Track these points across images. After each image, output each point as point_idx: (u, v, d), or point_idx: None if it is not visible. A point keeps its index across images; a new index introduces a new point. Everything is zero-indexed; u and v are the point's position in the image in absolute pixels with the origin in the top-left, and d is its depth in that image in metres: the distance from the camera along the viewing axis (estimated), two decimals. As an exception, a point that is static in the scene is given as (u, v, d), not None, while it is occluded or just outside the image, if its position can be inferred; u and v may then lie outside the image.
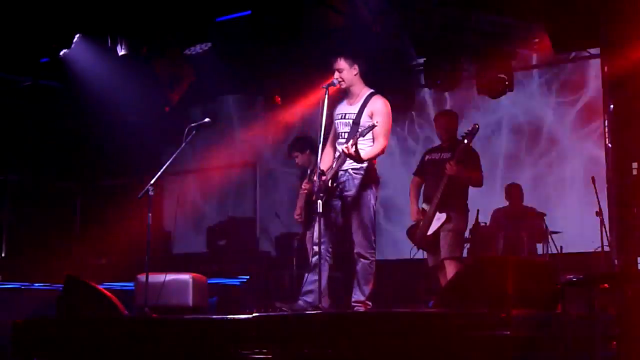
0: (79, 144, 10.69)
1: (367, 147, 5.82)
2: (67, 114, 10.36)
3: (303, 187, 6.57)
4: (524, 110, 9.55)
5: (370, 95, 5.99)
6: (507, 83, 8.77)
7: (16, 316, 6.46)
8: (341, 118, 6.02)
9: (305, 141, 7.43)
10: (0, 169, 9.95)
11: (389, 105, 5.99)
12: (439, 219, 6.77)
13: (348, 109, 6.03)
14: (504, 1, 7.70)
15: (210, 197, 11.17)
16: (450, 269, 6.67)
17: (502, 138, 9.62)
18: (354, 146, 5.63)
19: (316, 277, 5.70)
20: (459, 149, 6.73)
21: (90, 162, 10.86)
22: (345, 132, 5.96)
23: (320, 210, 5.63)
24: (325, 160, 5.99)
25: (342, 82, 5.97)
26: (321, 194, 5.68)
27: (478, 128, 6.77)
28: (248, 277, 9.53)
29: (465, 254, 8.00)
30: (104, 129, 10.38)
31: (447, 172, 6.68)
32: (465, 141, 6.74)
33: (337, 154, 5.98)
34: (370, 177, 5.94)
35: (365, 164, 5.89)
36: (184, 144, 6.38)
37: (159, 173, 6.29)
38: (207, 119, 6.53)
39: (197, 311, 6.77)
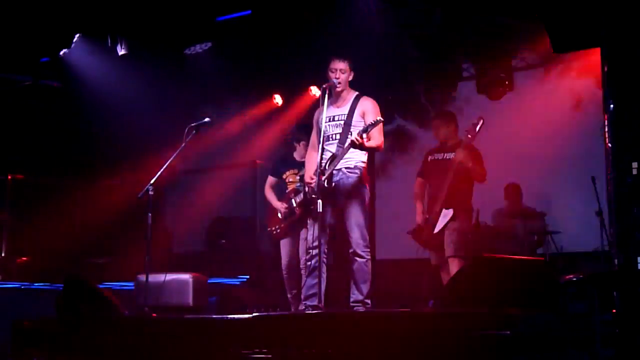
0: (79, 144, 10.68)
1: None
2: (67, 114, 10.35)
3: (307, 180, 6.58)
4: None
5: (358, 97, 6.05)
6: (507, 83, 8.79)
7: (16, 316, 6.46)
8: (329, 121, 6.03)
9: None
10: (0, 169, 9.94)
11: (377, 105, 6.04)
12: (446, 215, 6.81)
13: (335, 111, 6.06)
14: (504, 1, 7.71)
15: (210, 196, 11.16)
16: (453, 268, 6.69)
17: (503, 137, 9.58)
18: (361, 136, 5.67)
19: (316, 281, 5.72)
20: (464, 142, 6.83)
21: (90, 161, 10.85)
22: (336, 134, 5.99)
23: (320, 210, 5.65)
24: (312, 163, 6.00)
25: (340, 84, 5.99)
26: (317, 195, 5.70)
27: (481, 123, 6.82)
28: (248, 277, 9.52)
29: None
30: (103, 128, 10.38)
31: (456, 157, 6.75)
32: (469, 136, 6.81)
33: (328, 155, 5.98)
34: (364, 176, 5.98)
35: (359, 164, 5.93)
36: (184, 144, 6.39)
37: (159, 173, 6.30)
38: (207, 119, 6.53)
39: (197, 311, 6.77)
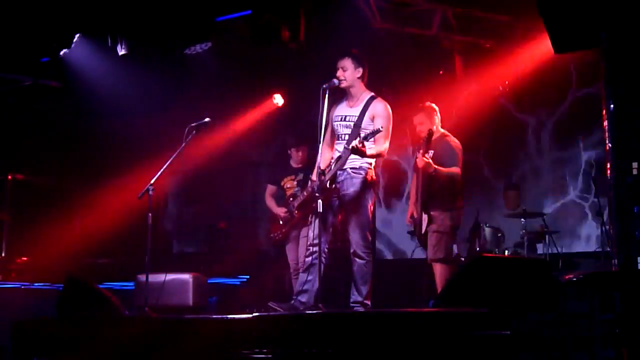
0: (79, 144, 10.68)
1: (368, 147, 5.83)
2: (67, 114, 10.35)
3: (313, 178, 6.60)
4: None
5: (371, 99, 5.99)
6: (506, 82, 8.79)
7: (16, 316, 6.45)
8: (341, 120, 6.01)
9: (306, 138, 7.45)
10: (1, 169, 9.94)
11: (390, 109, 5.99)
12: (425, 219, 6.76)
13: (348, 111, 6.02)
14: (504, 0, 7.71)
15: (211, 196, 11.17)
16: (436, 270, 6.64)
17: (502, 137, 9.59)
18: (362, 143, 5.63)
19: (311, 277, 5.72)
20: (430, 142, 6.64)
21: (90, 161, 10.85)
22: (345, 134, 5.96)
23: (320, 210, 5.64)
24: (323, 160, 5.99)
25: (343, 81, 5.97)
26: (319, 194, 5.69)
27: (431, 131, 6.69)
28: (248, 277, 9.53)
29: (465, 254, 8.00)
30: (103, 128, 10.38)
31: (418, 165, 6.62)
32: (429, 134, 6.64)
33: (336, 154, 5.97)
34: (369, 177, 5.94)
35: (364, 165, 5.91)
36: (184, 144, 6.39)
37: (159, 173, 6.30)
38: (207, 119, 6.54)
39: (197, 311, 6.77)
